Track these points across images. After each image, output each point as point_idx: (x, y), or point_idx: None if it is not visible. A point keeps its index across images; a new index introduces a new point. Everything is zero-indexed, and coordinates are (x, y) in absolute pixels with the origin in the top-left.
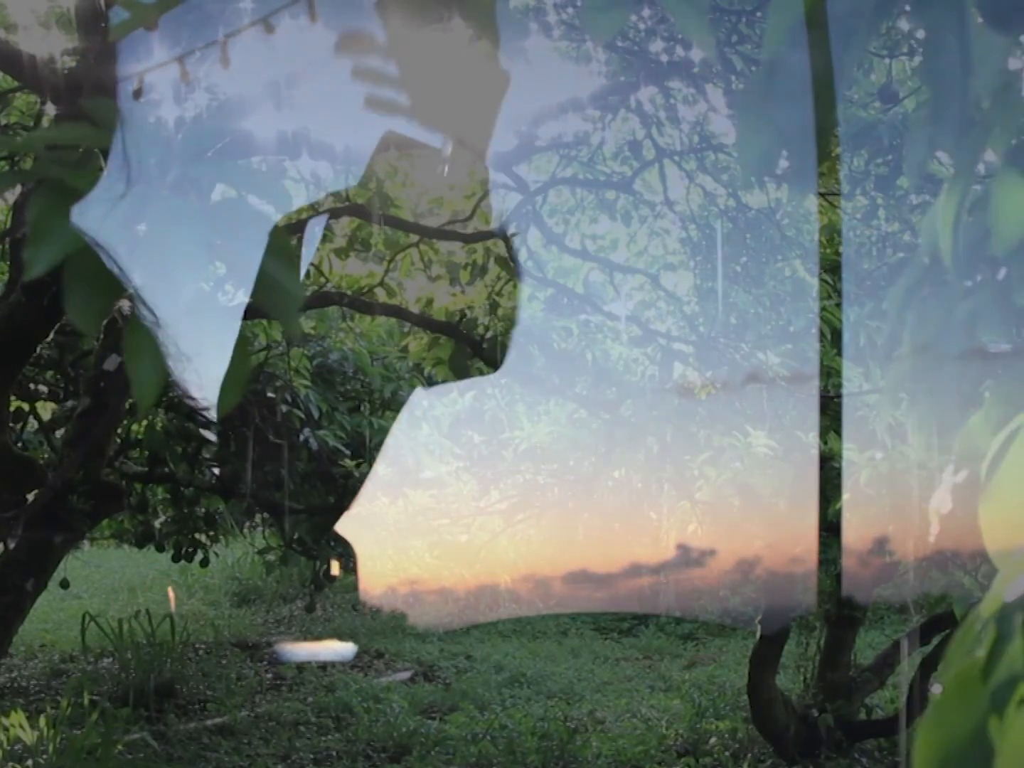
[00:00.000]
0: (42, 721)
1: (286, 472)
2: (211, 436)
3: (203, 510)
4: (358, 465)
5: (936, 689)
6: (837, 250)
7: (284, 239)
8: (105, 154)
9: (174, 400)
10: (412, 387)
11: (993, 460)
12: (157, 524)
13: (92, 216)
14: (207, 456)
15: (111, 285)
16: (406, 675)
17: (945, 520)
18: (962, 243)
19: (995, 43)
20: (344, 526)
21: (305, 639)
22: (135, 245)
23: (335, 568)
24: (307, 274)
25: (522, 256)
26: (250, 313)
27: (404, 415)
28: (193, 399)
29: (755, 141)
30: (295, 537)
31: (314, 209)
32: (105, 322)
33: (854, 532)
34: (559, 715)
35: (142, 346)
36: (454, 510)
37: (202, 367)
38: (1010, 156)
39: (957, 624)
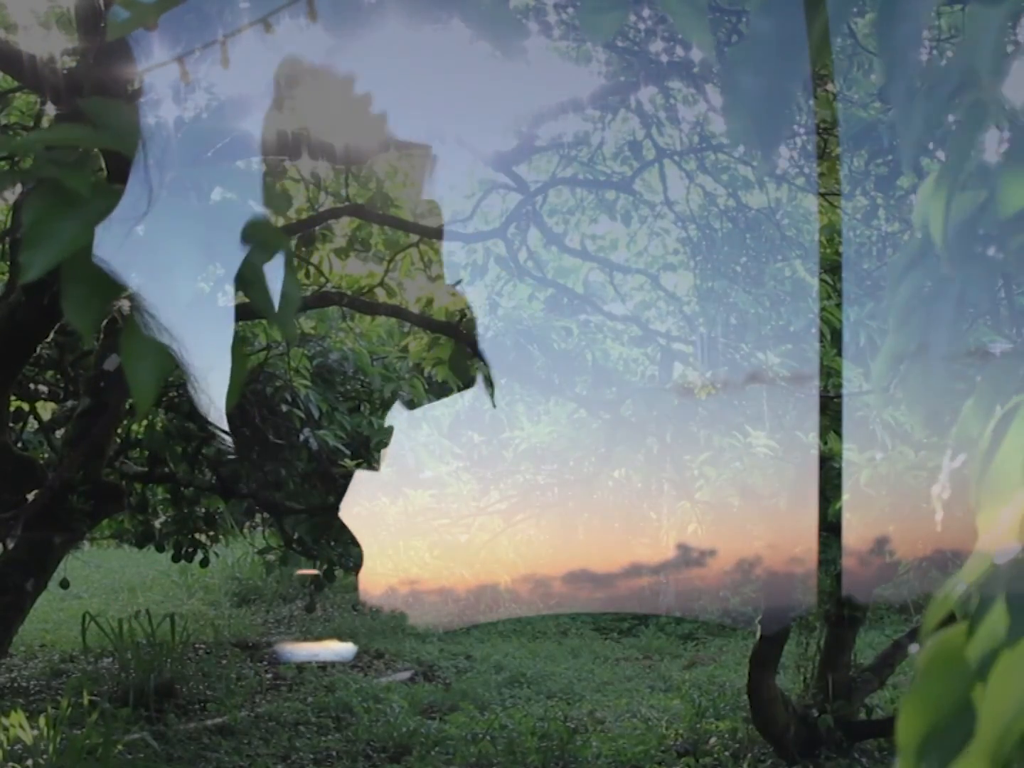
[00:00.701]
0: (42, 721)
1: (286, 472)
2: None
3: (203, 510)
4: (358, 465)
5: (914, 649)
6: (837, 250)
7: (281, 240)
8: (103, 155)
9: (174, 400)
10: (412, 387)
11: (989, 447)
12: (157, 524)
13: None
14: (207, 455)
15: (109, 287)
16: (406, 675)
17: (946, 518)
18: (953, 222)
19: (987, 16)
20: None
21: (305, 639)
22: (133, 246)
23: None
24: (307, 274)
25: (522, 256)
26: (250, 313)
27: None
28: (201, 407)
29: (742, 109)
30: (295, 537)
31: (314, 209)
32: (105, 322)
33: (854, 532)
34: (559, 715)
35: (139, 348)
36: (454, 510)
37: (203, 369)
38: (1015, 137)
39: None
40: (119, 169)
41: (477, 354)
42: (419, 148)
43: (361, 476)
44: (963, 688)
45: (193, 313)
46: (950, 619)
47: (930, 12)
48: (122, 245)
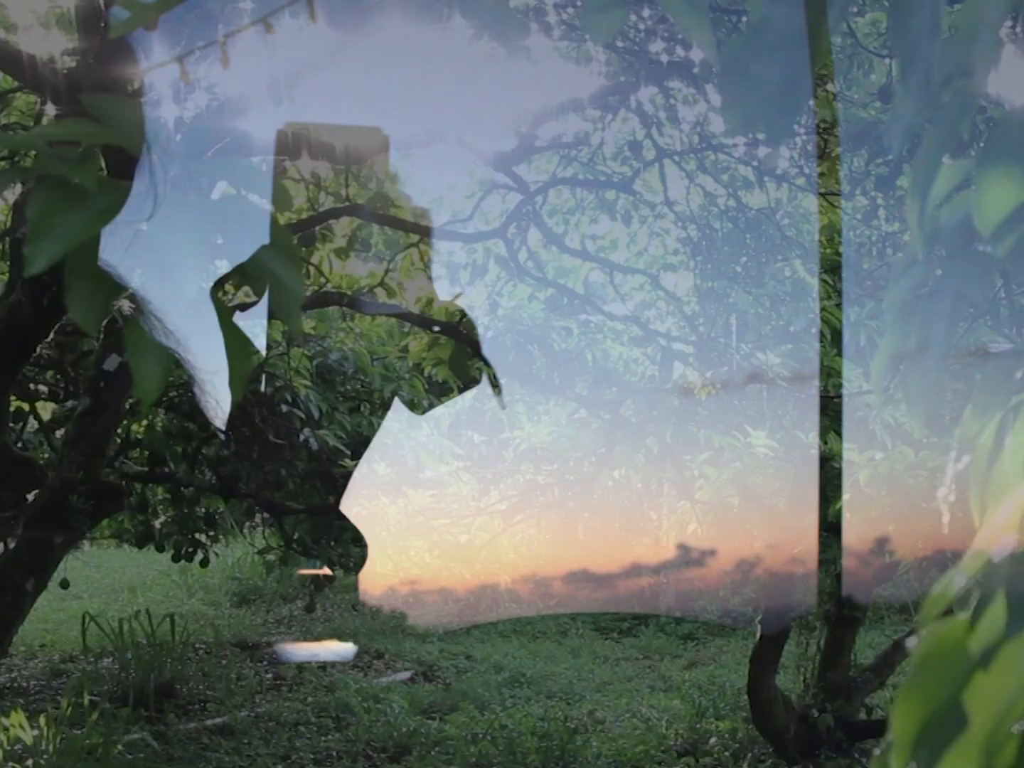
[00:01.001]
0: (42, 721)
1: (286, 472)
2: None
3: (203, 510)
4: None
5: (911, 642)
6: (837, 250)
7: (285, 236)
8: (103, 152)
9: (174, 400)
10: (412, 387)
11: (992, 447)
12: (157, 524)
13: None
14: (207, 455)
15: (112, 282)
16: (406, 675)
17: (950, 519)
18: (930, 212)
19: (986, 7)
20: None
21: (305, 639)
22: (136, 243)
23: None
24: (307, 274)
25: (522, 256)
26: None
27: (395, 416)
28: (208, 410)
29: (740, 103)
30: (295, 537)
31: (314, 209)
32: (105, 322)
33: (854, 532)
34: (559, 715)
35: (144, 342)
36: (454, 510)
37: (209, 373)
38: (994, 134)
39: None
40: (120, 167)
41: (478, 354)
42: (370, 131)
43: (362, 471)
44: (960, 682)
45: (196, 312)
46: (947, 614)
47: (944, 4)
48: (129, 247)
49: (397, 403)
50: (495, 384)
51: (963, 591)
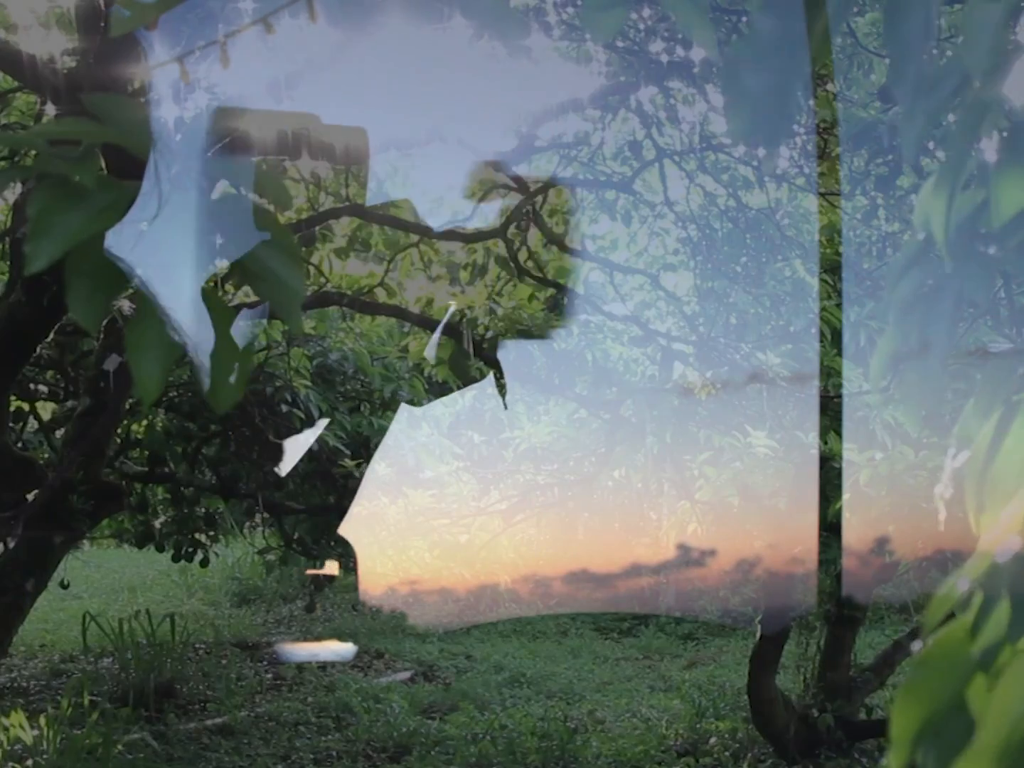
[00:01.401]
0: (42, 721)
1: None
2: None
3: (203, 510)
4: (358, 465)
5: (917, 647)
6: (837, 250)
7: (286, 235)
8: (102, 152)
9: (174, 400)
10: (412, 387)
11: (990, 446)
12: (157, 524)
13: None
14: (207, 455)
15: (113, 280)
16: (406, 675)
17: (947, 518)
18: (954, 223)
19: (986, 14)
20: (344, 526)
21: (305, 639)
22: (137, 241)
23: (333, 568)
24: (307, 274)
25: (522, 256)
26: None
27: (401, 416)
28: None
29: (743, 108)
30: (295, 537)
31: (314, 209)
32: (105, 322)
33: (854, 532)
34: (559, 715)
35: (145, 341)
36: (454, 510)
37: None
38: (1009, 137)
39: None
40: (119, 167)
41: (478, 354)
42: (354, 132)
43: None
44: (961, 683)
45: (196, 311)
46: (950, 616)
47: (939, 7)
48: (135, 246)
49: (403, 408)
50: (500, 382)
51: (967, 594)
